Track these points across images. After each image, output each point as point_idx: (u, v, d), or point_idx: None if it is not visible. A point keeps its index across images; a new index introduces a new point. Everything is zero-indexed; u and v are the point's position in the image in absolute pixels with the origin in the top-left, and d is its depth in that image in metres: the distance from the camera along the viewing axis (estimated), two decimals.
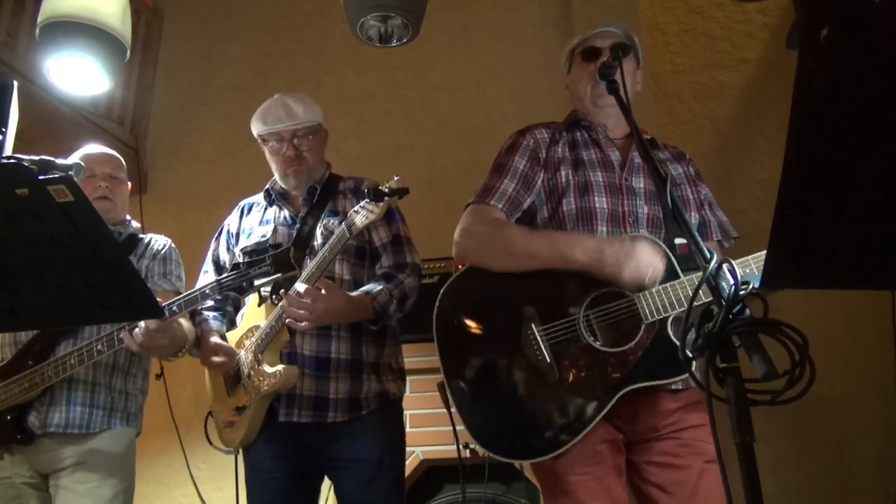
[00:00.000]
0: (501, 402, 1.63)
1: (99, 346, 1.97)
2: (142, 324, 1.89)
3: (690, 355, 1.03)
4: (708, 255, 1.12)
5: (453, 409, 1.67)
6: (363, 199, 2.17)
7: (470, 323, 1.72)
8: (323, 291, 1.87)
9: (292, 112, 2.16)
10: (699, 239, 1.19)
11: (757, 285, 0.96)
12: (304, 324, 1.89)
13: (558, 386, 1.58)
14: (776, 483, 2.91)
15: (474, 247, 1.69)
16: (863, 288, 2.41)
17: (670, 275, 1.56)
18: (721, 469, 1.00)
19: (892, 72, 0.73)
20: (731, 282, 1.02)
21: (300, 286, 1.87)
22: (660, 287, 1.54)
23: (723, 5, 3.75)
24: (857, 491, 3.03)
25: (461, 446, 2.81)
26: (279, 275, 1.82)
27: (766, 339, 0.97)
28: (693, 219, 1.77)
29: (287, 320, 1.91)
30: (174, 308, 1.90)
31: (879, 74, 0.74)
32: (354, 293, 2.01)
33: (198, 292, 1.89)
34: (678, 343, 1.53)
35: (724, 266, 1.05)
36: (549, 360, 1.59)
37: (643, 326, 1.55)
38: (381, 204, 1.86)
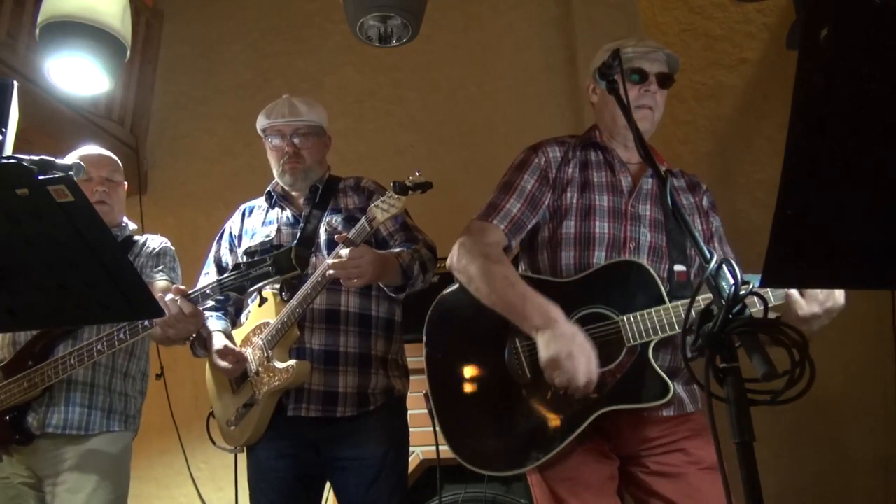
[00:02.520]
0: (481, 414, 1.64)
1: (99, 346, 1.97)
2: (170, 296, 1.88)
3: (689, 355, 1.03)
4: (708, 255, 1.12)
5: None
6: (365, 193, 2.18)
7: (457, 335, 1.73)
8: (362, 247, 1.88)
9: (296, 110, 2.18)
10: (699, 239, 1.19)
11: (757, 285, 0.96)
12: (355, 280, 1.87)
13: (536, 401, 1.59)
14: (776, 483, 2.91)
15: (460, 268, 1.69)
16: (863, 288, 2.40)
17: (656, 301, 1.56)
18: (721, 469, 1.00)
19: (892, 72, 0.73)
20: (731, 282, 1.02)
21: (344, 251, 1.87)
22: (644, 312, 1.54)
23: (723, 5, 3.75)
24: (857, 491, 3.03)
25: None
26: (279, 276, 1.82)
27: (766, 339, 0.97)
28: None
29: (342, 280, 1.90)
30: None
31: (879, 74, 0.74)
32: (380, 251, 2.01)
33: (199, 292, 1.89)
34: (658, 369, 1.53)
35: (724, 266, 1.05)
36: (528, 374, 1.59)
37: (625, 349, 1.54)
38: (404, 197, 1.85)
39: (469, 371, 1.69)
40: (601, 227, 1.70)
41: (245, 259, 2.17)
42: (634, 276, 1.60)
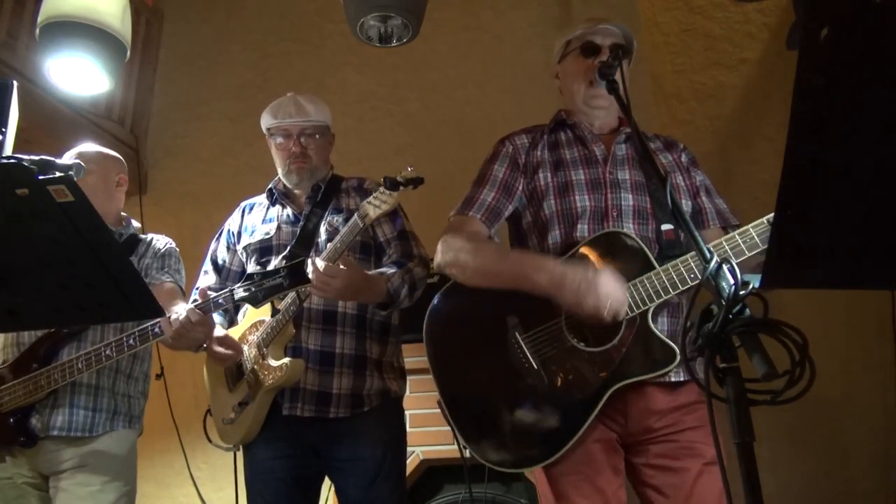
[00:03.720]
0: (496, 413, 1.64)
1: (108, 352, 1.97)
2: (183, 314, 1.88)
3: (689, 355, 1.03)
4: (708, 255, 1.12)
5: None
6: (367, 195, 2.18)
7: (457, 338, 1.74)
8: (343, 268, 1.86)
9: (303, 109, 2.18)
10: (700, 239, 1.19)
11: (757, 285, 0.96)
12: (320, 294, 1.87)
13: (548, 391, 1.59)
14: (776, 483, 2.91)
15: (449, 260, 1.70)
16: (863, 288, 2.40)
17: (646, 266, 1.56)
18: (721, 469, 1.00)
19: (893, 72, 0.73)
20: (731, 282, 1.02)
21: (320, 262, 1.85)
22: (636, 280, 1.54)
23: (723, 5, 3.75)
24: (857, 491, 3.03)
25: (462, 446, 2.80)
26: (292, 287, 1.81)
27: (767, 339, 0.97)
28: (686, 206, 1.75)
29: (307, 291, 1.89)
30: None
31: (879, 74, 0.74)
32: (371, 272, 2.02)
33: (210, 301, 1.89)
34: (660, 335, 1.54)
35: (724, 266, 1.05)
36: (535, 366, 1.60)
37: (624, 322, 1.54)
38: (396, 194, 1.85)
39: (475, 371, 1.69)
40: (581, 201, 1.70)
41: (243, 255, 2.20)
42: (620, 245, 1.61)
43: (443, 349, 1.74)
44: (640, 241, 1.59)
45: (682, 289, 1.51)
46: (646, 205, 1.71)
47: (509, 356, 1.63)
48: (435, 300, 1.77)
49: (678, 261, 1.52)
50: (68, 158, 2.22)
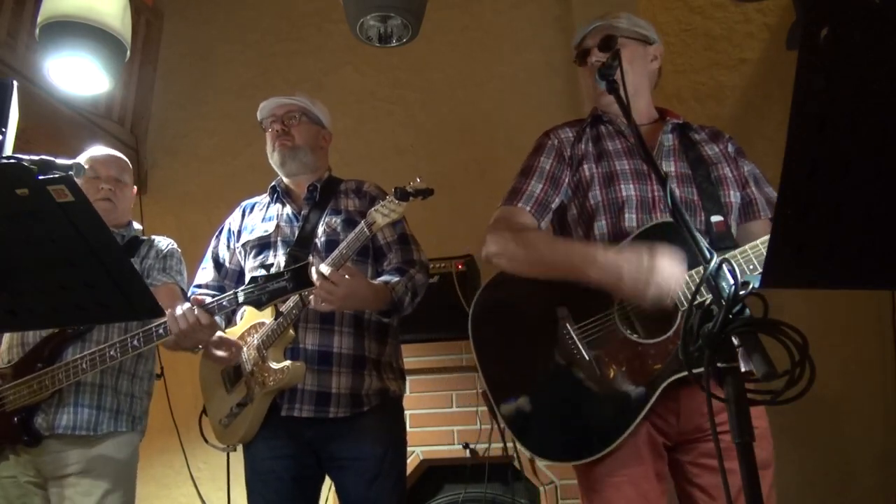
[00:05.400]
0: (546, 405, 1.62)
1: (112, 352, 1.97)
2: (193, 312, 1.87)
3: (690, 355, 1.03)
4: (708, 254, 1.12)
5: (503, 426, 1.67)
6: (366, 198, 2.18)
7: (504, 328, 1.71)
8: (347, 276, 1.86)
9: (289, 94, 2.25)
10: (700, 238, 1.19)
11: (757, 285, 0.96)
12: (323, 304, 1.88)
13: (600, 383, 1.56)
14: (776, 483, 2.91)
15: (498, 251, 1.67)
16: (863, 288, 2.41)
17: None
18: (721, 469, 1.00)
19: (892, 72, 0.73)
20: (731, 282, 1.02)
21: (325, 268, 1.85)
22: (693, 272, 1.49)
23: (723, 5, 3.75)
24: (857, 491, 3.03)
25: (461, 446, 2.81)
26: (296, 291, 1.80)
27: (767, 339, 0.97)
28: (734, 198, 1.71)
29: (310, 297, 1.90)
30: None
31: (879, 74, 0.74)
32: (375, 281, 2.03)
33: (215, 304, 1.89)
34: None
35: (724, 266, 1.05)
36: (587, 357, 1.57)
37: (680, 314, 1.50)
38: (405, 203, 1.86)
39: (523, 362, 1.66)
40: (627, 190, 1.68)
41: (241, 253, 2.21)
42: (673, 236, 1.56)
43: (489, 340, 1.71)
44: (696, 231, 1.57)
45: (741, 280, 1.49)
46: (693, 196, 1.68)
47: (559, 348, 1.60)
48: (480, 291, 1.75)
49: (737, 251, 1.48)
50: (83, 157, 2.28)
